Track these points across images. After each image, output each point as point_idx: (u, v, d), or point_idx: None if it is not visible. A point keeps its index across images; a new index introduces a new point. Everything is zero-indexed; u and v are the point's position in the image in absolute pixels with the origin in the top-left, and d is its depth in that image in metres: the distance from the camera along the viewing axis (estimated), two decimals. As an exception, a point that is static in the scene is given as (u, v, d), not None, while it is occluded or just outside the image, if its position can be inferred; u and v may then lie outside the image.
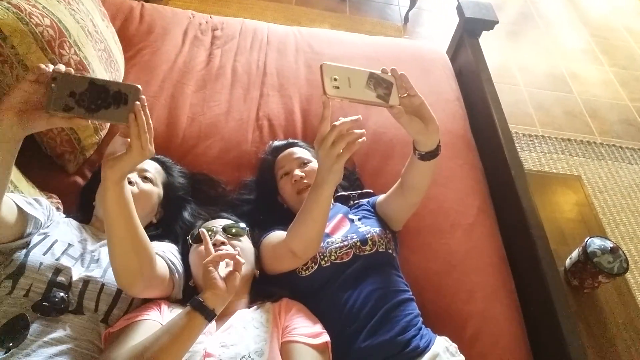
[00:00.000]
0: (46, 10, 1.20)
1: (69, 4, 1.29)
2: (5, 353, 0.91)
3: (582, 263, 1.56)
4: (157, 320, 1.00)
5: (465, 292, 1.35)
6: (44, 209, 1.12)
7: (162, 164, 1.37)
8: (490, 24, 2.06)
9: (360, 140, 0.88)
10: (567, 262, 1.64)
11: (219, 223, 1.21)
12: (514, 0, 4.20)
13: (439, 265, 1.40)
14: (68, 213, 1.32)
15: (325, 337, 1.03)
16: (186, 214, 1.35)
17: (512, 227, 1.56)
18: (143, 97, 0.82)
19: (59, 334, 0.96)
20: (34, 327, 0.95)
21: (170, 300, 1.11)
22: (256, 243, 1.24)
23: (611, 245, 1.53)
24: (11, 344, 0.92)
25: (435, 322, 1.23)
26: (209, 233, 1.14)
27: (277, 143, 1.50)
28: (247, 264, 1.15)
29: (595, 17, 4.15)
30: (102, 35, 1.46)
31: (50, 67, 0.81)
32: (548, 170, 2.74)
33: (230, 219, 1.27)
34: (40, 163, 1.37)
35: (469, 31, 2.08)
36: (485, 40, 2.12)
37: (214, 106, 1.66)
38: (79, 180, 1.41)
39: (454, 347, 1.13)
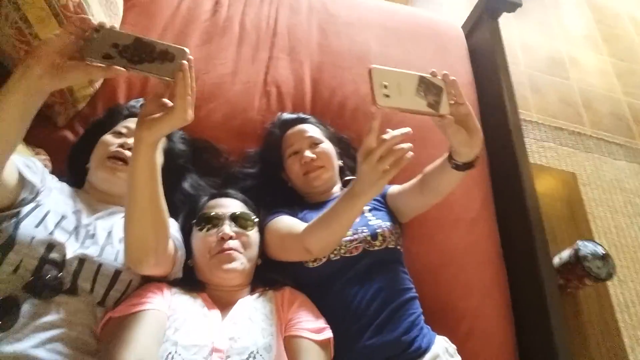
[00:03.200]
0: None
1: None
2: None
3: (571, 265, 1.60)
4: (162, 309, 0.95)
5: (461, 287, 1.36)
6: (39, 172, 1.01)
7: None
8: (512, 7, 1.96)
9: (408, 156, 0.82)
10: (556, 261, 1.68)
11: (226, 207, 1.14)
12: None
13: (440, 258, 1.39)
14: (56, 172, 1.21)
15: (329, 333, 1.02)
16: (186, 185, 1.27)
17: (510, 221, 1.56)
18: (191, 57, 0.77)
19: (52, 317, 0.89)
20: (26, 309, 0.88)
21: (169, 279, 1.06)
22: (260, 224, 1.18)
23: (603, 252, 1.56)
24: (2, 322, 0.85)
25: (433, 317, 1.23)
26: (215, 221, 1.09)
27: (286, 116, 1.41)
28: (252, 255, 1.10)
29: (603, 2, 4.07)
30: (102, -27, 1.29)
31: (95, 20, 0.74)
32: (537, 159, 2.75)
33: (236, 197, 1.20)
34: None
35: (491, 10, 1.98)
36: None
37: (219, 65, 1.53)
38: (69, 135, 1.29)
39: (452, 348, 1.15)
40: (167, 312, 0.96)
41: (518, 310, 1.39)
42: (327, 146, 1.32)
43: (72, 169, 1.20)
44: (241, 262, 1.06)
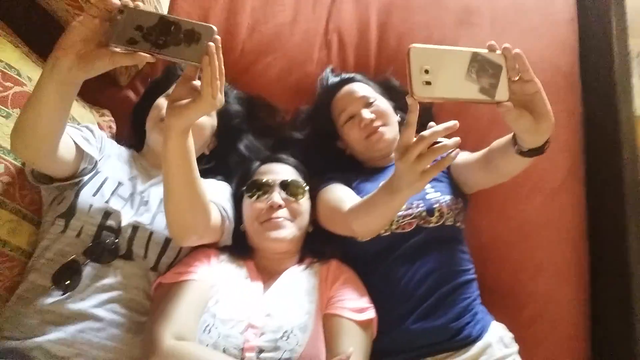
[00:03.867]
0: None
1: None
2: (63, 294, 0.93)
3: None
4: (206, 280, 0.98)
5: (532, 267, 1.24)
6: (97, 141, 1.06)
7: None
8: None
9: (454, 154, 0.70)
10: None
11: (277, 173, 1.11)
12: None
13: (509, 234, 1.26)
14: (120, 132, 1.26)
15: (371, 313, 0.99)
16: (241, 146, 1.26)
17: (603, 193, 1.36)
18: (218, 37, 0.72)
19: (110, 280, 0.96)
20: (87, 271, 0.96)
21: (219, 245, 1.09)
22: (313, 191, 1.14)
23: None
24: (67, 283, 0.94)
25: (494, 299, 1.15)
26: (265, 188, 1.07)
27: (330, 80, 1.30)
28: (302, 223, 1.08)
29: None
30: None
31: (117, 0, 0.70)
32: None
33: (288, 162, 1.17)
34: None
35: None
36: None
37: (278, 12, 1.43)
38: (132, 95, 1.32)
39: (509, 337, 1.07)
40: (212, 281, 0.99)
41: (597, 298, 1.25)
42: (382, 103, 1.21)
43: (134, 129, 1.24)
44: (290, 230, 1.05)
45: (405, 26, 1.44)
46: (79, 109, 1.13)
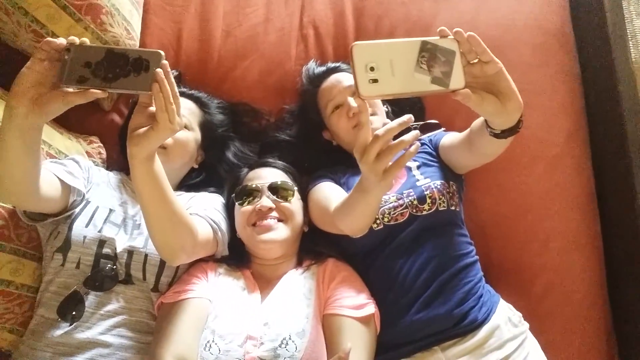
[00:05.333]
0: None
1: None
2: (70, 325, 0.96)
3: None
4: (204, 296, 0.99)
5: (538, 241, 1.20)
6: (84, 171, 1.07)
7: (197, 100, 1.23)
8: None
9: (412, 149, 0.68)
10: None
11: (264, 177, 1.11)
12: None
13: (511, 208, 1.23)
14: (111, 155, 1.28)
15: (371, 309, 0.98)
16: (230, 154, 1.26)
17: (607, 153, 1.31)
18: (165, 62, 0.71)
19: (113, 305, 0.99)
20: (90, 300, 0.98)
21: (216, 257, 1.10)
22: (304, 191, 1.14)
23: None
24: (74, 314, 0.97)
25: (499, 275, 1.14)
26: (254, 193, 1.08)
27: (315, 70, 1.27)
28: (295, 224, 1.08)
29: None
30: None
31: (63, 40, 0.70)
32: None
33: (276, 165, 1.16)
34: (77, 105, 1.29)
35: None
36: None
37: (250, 13, 1.41)
38: (117, 118, 1.33)
39: (517, 316, 1.04)
40: (210, 297, 1.00)
41: (612, 261, 1.20)
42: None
43: (124, 151, 1.24)
44: (281, 232, 1.05)
45: (381, 8, 1.40)
46: (64, 142, 1.15)
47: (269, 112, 1.33)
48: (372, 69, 0.63)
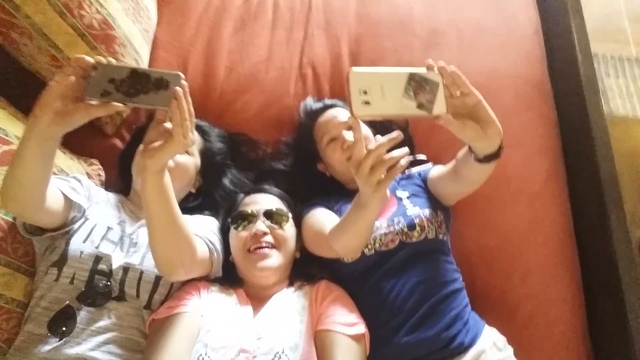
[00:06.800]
0: (58, -34, 1.06)
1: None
2: (59, 340, 0.96)
3: (664, 236, 1.38)
4: (196, 312, 1.00)
5: (521, 271, 1.25)
6: (85, 189, 1.10)
7: (198, 128, 1.29)
8: None
9: (403, 162, 0.75)
10: (646, 231, 1.46)
11: (260, 203, 1.15)
12: None
13: (495, 240, 1.29)
14: (109, 178, 1.31)
15: (361, 328, 1.00)
16: (226, 181, 1.30)
17: (582, 190, 1.39)
18: (185, 82, 0.77)
19: (105, 322, 0.99)
20: (82, 316, 0.98)
21: (210, 278, 1.11)
22: (298, 218, 1.18)
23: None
24: (64, 329, 0.97)
25: (485, 304, 1.16)
26: (250, 218, 1.11)
27: (313, 105, 1.36)
28: (288, 250, 1.11)
29: None
30: (128, -19, 1.31)
31: (91, 59, 0.76)
32: (637, 102, 2.38)
33: (271, 192, 1.21)
34: (79, 127, 1.33)
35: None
36: None
37: (253, 52, 1.50)
38: (118, 143, 1.38)
39: (502, 340, 1.07)
40: (202, 312, 1.01)
41: (590, 294, 1.25)
42: (363, 127, 1.25)
43: (121, 175, 1.28)
44: (275, 259, 1.08)
45: (376, 53, 1.52)
46: (67, 161, 1.19)
47: (266, 143, 1.40)
48: (365, 92, 0.70)
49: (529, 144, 1.41)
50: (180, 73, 0.77)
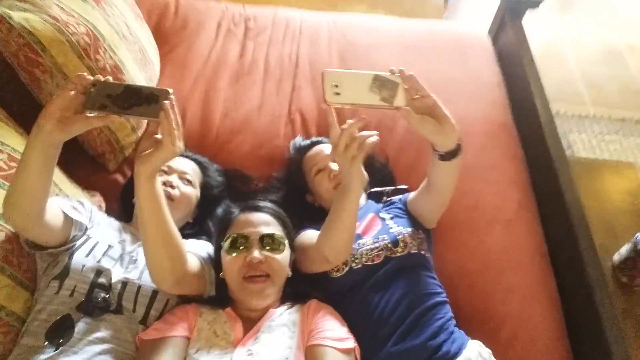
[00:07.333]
0: (82, 18, 1.23)
1: (102, 9, 1.32)
2: (55, 350, 0.97)
3: (632, 259, 1.47)
4: (184, 335, 1.02)
5: (501, 291, 1.31)
6: (87, 211, 1.17)
7: (199, 164, 1.40)
8: (534, 3, 1.93)
9: (372, 139, 0.87)
10: (616, 257, 1.56)
11: (255, 225, 1.11)
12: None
13: (475, 263, 1.36)
14: (109, 210, 1.38)
15: (351, 343, 1.03)
16: (219, 211, 1.38)
17: (554, 221, 1.50)
18: (173, 96, 0.86)
19: (102, 333, 1.01)
20: (80, 326, 1.01)
21: (205, 296, 1.14)
22: (290, 244, 1.23)
23: (665, 243, 1.43)
24: (61, 341, 0.99)
25: (469, 323, 1.20)
26: (245, 244, 1.08)
27: (302, 142, 1.49)
28: (283, 276, 1.12)
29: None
30: (136, 36, 1.49)
31: (90, 77, 0.86)
32: (599, 154, 2.58)
33: (266, 210, 1.17)
34: (83, 163, 1.43)
35: (512, 11, 1.96)
36: (532, 13, 1.97)
37: (246, 101, 1.66)
38: (120, 178, 1.47)
39: (487, 352, 1.11)
40: (190, 335, 1.03)
41: (569, 313, 1.31)
42: None
43: (123, 205, 1.36)
44: (271, 289, 1.08)
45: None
46: (72, 189, 1.27)
47: (259, 178, 1.50)
48: (336, 85, 0.84)
49: (501, 178, 1.54)
50: (169, 89, 0.85)
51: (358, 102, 0.86)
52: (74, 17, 1.21)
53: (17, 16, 1.11)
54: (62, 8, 1.20)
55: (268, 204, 1.20)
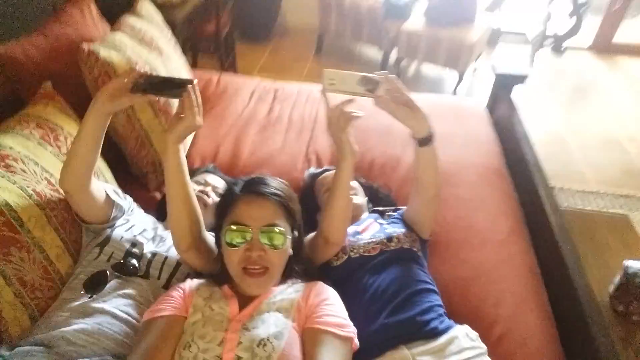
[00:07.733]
0: (146, 62, 1.60)
1: (160, 57, 1.70)
2: (89, 297, 1.14)
3: (624, 286, 1.54)
4: (180, 313, 1.07)
5: (493, 296, 1.39)
6: (127, 200, 1.40)
7: (227, 182, 1.64)
8: (521, 79, 2.25)
9: (357, 114, 1.12)
10: (611, 287, 1.62)
11: (256, 219, 1.08)
12: (573, 74, 4.34)
13: (467, 273, 1.46)
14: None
15: (350, 332, 1.05)
16: None
17: (543, 237, 1.60)
18: (195, 82, 1.09)
19: (129, 290, 1.18)
20: (112, 283, 1.18)
21: (212, 272, 1.21)
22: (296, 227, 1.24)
23: (653, 266, 1.51)
24: (94, 291, 1.16)
25: (461, 322, 1.28)
26: (245, 234, 1.07)
27: (315, 170, 1.73)
28: (281, 267, 1.13)
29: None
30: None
31: (140, 71, 1.16)
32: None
33: (269, 197, 1.12)
34: (127, 181, 1.68)
35: (503, 86, 2.28)
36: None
37: (271, 144, 1.96)
38: (157, 195, 1.72)
39: (474, 334, 1.19)
40: (186, 313, 1.08)
41: (560, 326, 1.37)
42: (354, 182, 1.60)
43: (159, 210, 1.56)
44: (270, 279, 1.10)
45: (365, 147, 1.94)
46: (113, 182, 1.52)
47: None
48: (332, 79, 1.12)
49: (491, 209, 1.70)
50: (193, 79, 1.09)
51: (347, 91, 1.12)
52: (141, 59, 1.58)
53: (103, 52, 1.48)
54: (135, 52, 1.58)
55: (271, 188, 1.13)
